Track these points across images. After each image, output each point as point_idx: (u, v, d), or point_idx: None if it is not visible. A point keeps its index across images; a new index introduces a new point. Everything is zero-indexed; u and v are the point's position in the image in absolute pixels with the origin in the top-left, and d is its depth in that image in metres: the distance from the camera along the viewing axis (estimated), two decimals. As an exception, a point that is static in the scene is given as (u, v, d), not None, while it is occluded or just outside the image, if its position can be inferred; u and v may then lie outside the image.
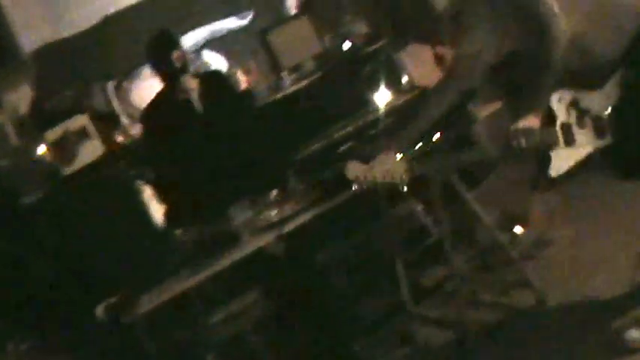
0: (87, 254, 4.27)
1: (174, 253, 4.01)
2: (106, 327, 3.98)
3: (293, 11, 7.58)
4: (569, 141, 3.15)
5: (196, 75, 5.22)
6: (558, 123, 3.12)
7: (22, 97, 6.87)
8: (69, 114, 4.51)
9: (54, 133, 3.79)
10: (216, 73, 5.55)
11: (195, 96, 4.93)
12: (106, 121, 5.96)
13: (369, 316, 4.75)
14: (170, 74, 4.98)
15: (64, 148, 3.89)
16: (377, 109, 5.19)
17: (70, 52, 7.49)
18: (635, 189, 3.97)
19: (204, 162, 4.77)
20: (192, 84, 4.98)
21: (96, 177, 3.90)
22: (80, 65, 7.42)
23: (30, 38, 7.21)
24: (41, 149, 5.61)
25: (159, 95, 5.14)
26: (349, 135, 4.29)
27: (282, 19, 7.45)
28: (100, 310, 3.97)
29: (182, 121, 4.92)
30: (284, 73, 6.03)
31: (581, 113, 3.16)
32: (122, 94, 7.56)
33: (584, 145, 3.20)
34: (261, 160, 4.72)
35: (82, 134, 3.90)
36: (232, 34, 7.85)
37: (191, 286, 3.94)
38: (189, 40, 7.80)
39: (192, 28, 7.85)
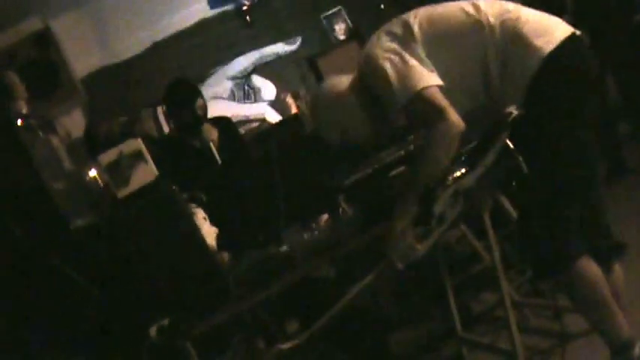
0: (139, 276, 4.30)
1: (227, 276, 4.03)
2: (159, 349, 4.00)
3: (341, 37, 7.66)
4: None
5: (214, 123, 5.25)
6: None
7: (74, 122, 7.02)
8: (122, 138, 4.58)
9: (108, 156, 3.84)
10: (229, 121, 5.58)
11: (214, 145, 4.94)
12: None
13: (418, 341, 4.74)
14: (192, 123, 5.04)
15: (119, 171, 3.93)
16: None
17: (121, 78, 7.63)
18: None
19: (252, 189, 4.79)
20: (213, 133, 5.05)
21: (149, 200, 3.93)
22: (130, 90, 7.56)
23: (81, 64, 7.37)
24: (93, 172, 5.70)
25: (177, 141, 5.18)
26: (400, 159, 4.27)
27: (330, 45, 7.53)
28: (152, 332, 4.00)
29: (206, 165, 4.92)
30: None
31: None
32: (171, 118, 7.69)
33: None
34: (311, 185, 4.73)
35: (137, 157, 3.93)
36: (281, 59, 7.95)
37: (243, 310, 3.96)
38: (238, 65, 7.91)
39: (241, 53, 7.98)
